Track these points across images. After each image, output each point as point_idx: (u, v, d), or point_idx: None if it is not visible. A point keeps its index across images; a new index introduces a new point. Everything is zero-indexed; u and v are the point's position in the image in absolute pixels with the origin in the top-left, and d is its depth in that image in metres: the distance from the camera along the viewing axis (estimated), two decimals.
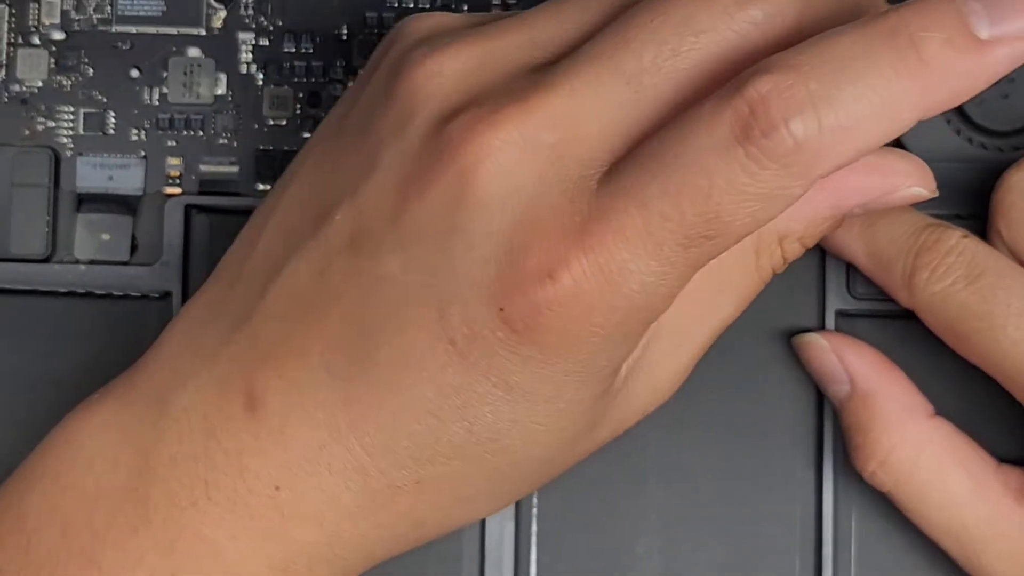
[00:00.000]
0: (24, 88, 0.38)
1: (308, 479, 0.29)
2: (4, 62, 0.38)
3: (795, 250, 0.31)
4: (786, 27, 0.27)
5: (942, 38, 0.26)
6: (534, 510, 0.37)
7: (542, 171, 0.28)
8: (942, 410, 0.36)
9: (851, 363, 0.35)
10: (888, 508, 0.36)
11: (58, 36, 0.38)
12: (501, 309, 0.27)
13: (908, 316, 0.34)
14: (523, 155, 0.28)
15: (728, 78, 0.27)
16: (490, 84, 0.29)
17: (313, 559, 0.29)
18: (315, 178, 0.31)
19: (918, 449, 0.34)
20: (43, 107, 0.38)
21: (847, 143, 0.26)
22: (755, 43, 0.27)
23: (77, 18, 0.38)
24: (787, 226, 0.31)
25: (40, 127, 0.38)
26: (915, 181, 0.30)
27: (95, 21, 0.38)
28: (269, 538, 0.29)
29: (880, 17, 0.26)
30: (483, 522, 0.37)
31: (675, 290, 0.28)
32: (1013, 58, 0.27)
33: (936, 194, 0.31)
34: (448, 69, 0.29)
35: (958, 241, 0.33)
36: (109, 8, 0.38)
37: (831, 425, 0.37)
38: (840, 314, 0.37)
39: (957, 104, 0.27)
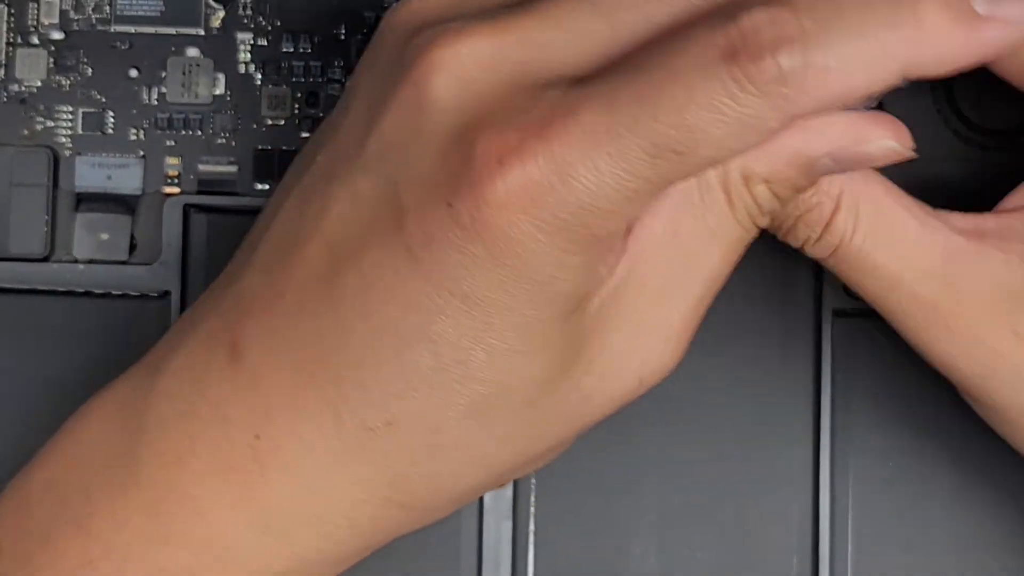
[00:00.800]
0: (23, 88, 0.38)
1: (284, 425, 0.29)
2: (3, 62, 0.38)
3: (766, 197, 0.30)
4: None
5: (940, 1, 0.27)
6: (531, 510, 0.37)
7: (505, 80, 0.28)
8: (940, 411, 0.36)
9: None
10: (885, 509, 0.36)
11: (57, 36, 0.38)
12: (450, 204, 0.27)
13: None
14: (486, 66, 0.28)
15: None
16: (465, 13, 0.29)
17: (293, 520, 0.29)
18: (313, 143, 0.31)
19: (859, 193, 0.31)
20: (42, 107, 0.38)
21: (829, 85, 0.26)
22: None
23: (76, 18, 0.38)
24: (747, 166, 0.29)
25: (39, 127, 0.38)
26: (888, 135, 0.29)
27: (94, 21, 0.38)
28: (248, 494, 0.29)
29: None
30: (480, 522, 0.37)
31: (626, 205, 0.27)
32: (1002, 41, 0.27)
33: (915, 155, 0.29)
34: (426, 5, 0.29)
35: None
36: (108, 8, 0.38)
37: (828, 425, 0.37)
38: (837, 313, 0.37)
39: (938, 74, 0.27)
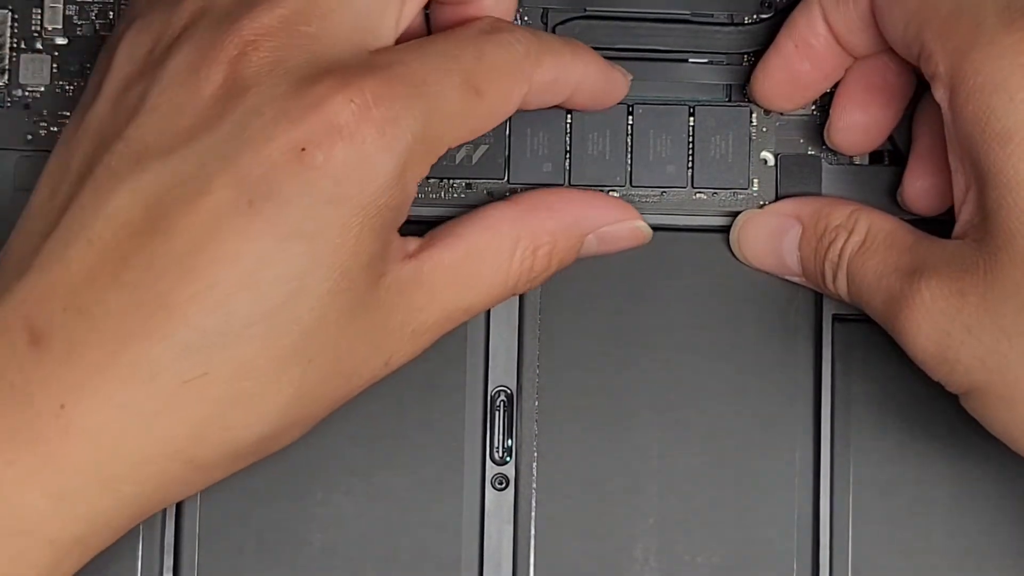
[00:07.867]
0: (27, 93, 0.38)
1: (96, 391, 0.30)
2: (7, 67, 0.38)
3: (543, 263, 0.34)
4: None
5: None
6: (532, 514, 0.37)
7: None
8: (940, 416, 0.36)
9: (789, 206, 0.36)
10: (885, 513, 0.36)
11: (61, 41, 0.38)
12: (303, 149, 0.30)
13: None
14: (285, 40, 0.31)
15: None
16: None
17: (90, 484, 0.30)
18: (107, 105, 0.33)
19: (869, 220, 0.35)
20: (46, 112, 0.38)
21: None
22: None
23: (79, 23, 0.38)
24: (540, 238, 0.34)
25: (43, 132, 0.38)
26: (634, 217, 0.36)
27: (97, 26, 0.38)
28: (47, 462, 0.30)
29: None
30: (482, 526, 0.37)
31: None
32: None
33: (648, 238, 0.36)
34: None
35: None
36: (111, 13, 0.38)
37: (828, 430, 0.37)
38: (837, 319, 0.37)
39: None
